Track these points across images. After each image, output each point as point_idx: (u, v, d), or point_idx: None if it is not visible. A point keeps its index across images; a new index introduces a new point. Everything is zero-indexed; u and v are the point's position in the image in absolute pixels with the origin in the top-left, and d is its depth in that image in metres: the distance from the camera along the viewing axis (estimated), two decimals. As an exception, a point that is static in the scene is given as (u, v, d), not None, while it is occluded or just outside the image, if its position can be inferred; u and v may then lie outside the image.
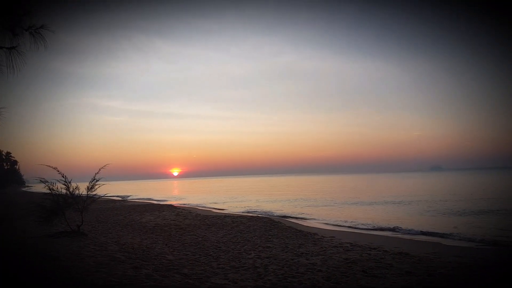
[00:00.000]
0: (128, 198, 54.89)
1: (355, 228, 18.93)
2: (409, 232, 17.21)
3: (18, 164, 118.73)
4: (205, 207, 34.89)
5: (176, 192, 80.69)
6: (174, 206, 32.84)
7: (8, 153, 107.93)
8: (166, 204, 35.19)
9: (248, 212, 28.45)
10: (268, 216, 23.42)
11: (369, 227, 18.89)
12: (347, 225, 20.00)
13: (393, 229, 18.07)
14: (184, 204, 37.91)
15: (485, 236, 15.36)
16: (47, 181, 12.97)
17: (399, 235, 16.40)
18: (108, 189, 14.65)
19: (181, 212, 25.53)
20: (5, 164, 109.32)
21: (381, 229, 18.35)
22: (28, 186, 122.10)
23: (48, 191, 13.11)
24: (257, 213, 27.23)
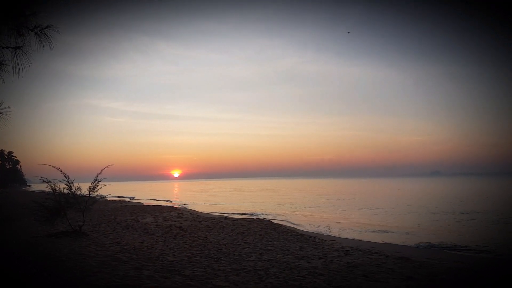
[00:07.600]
0: (130, 199, 54.86)
1: (356, 232, 18.96)
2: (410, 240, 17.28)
3: (20, 163, 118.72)
4: (205, 208, 34.86)
5: (177, 193, 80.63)
6: (174, 207, 32.83)
7: (10, 153, 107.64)
8: (167, 206, 35.21)
9: (248, 214, 28.43)
10: (268, 219, 23.39)
11: (370, 231, 18.92)
12: (347, 230, 20.03)
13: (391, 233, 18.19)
14: (184, 206, 37.91)
15: (485, 244, 15.36)
16: (50, 181, 12.96)
17: (400, 241, 16.40)
18: (110, 190, 14.64)
19: (182, 213, 25.52)
20: (7, 164, 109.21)
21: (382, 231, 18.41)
22: (29, 186, 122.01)
23: (50, 191, 13.10)
24: (258, 215, 27.21)
